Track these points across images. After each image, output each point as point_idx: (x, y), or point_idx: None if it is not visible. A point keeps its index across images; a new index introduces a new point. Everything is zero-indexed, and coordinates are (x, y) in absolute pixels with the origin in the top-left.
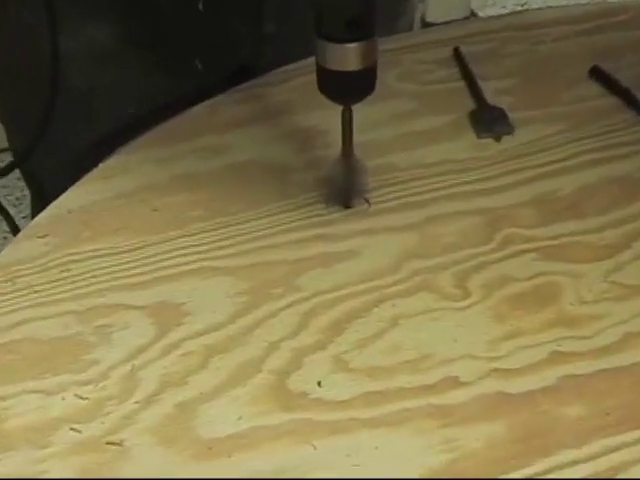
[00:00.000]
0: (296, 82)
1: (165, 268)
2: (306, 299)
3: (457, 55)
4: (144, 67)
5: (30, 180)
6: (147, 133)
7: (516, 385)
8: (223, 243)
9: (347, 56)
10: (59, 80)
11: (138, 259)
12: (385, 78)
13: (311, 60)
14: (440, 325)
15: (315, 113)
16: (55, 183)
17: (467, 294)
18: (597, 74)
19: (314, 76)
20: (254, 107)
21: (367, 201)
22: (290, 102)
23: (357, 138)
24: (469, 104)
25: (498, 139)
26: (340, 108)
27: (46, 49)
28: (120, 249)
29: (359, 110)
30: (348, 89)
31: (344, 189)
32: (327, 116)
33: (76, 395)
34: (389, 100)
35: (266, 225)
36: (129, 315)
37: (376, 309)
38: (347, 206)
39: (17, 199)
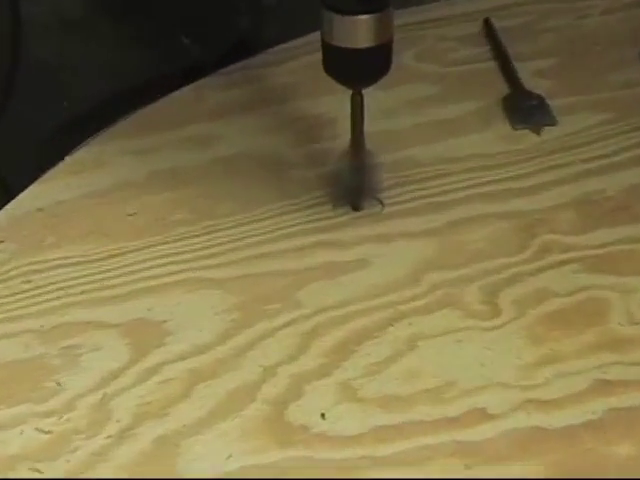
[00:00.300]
0: (298, 62)
1: (143, 280)
2: (308, 317)
3: (488, 30)
4: (121, 40)
5: None
6: (123, 121)
7: (554, 419)
8: (211, 251)
9: (357, 31)
10: (20, 50)
11: (112, 269)
12: (402, 57)
13: (316, 36)
14: (465, 348)
15: (321, 99)
16: (19, 177)
17: (497, 312)
18: None
19: (320, 55)
20: (248, 91)
21: (380, 202)
22: (291, 85)
23: (369, 128)
24: (502, 89)
25: (536, 130)
26: (349, 92)
27: (5, 15)
28: (91, 257)
29: (372, 95)
30: (358, 70)
31: (353, 188)
32: (335, 102)
33: (37, 429)
34: (407, 83)
35: (261, 230)
36: (100, 335)
37: (390, 328)
38: (357, 208)
39: None
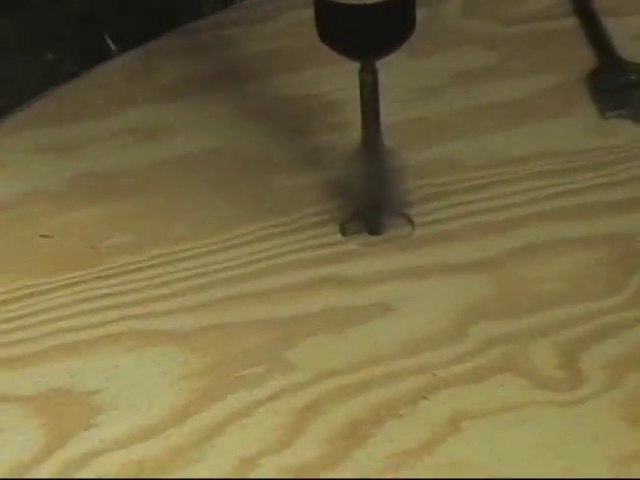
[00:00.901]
0: (287, 18)
1: (63, 333)
2: (304, 386)
3: None
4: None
5: None
6: (32, 104)
7: None
8: (163, 291)
9: None
10: None
11: (17, 317)
12: (443, 13)
13: None
14: (533, 431)
15: (320, 72)
16: None
17: (579, 380)
18: None
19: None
20: (217, 60)
21: (409, 221)
22: (278, 53)
23: (392, 115)
24: (587, 59)
25: (636, 119)
26: (357, 67)
27: None
28: None
29: (394, 69)
30: (366, 36)
31: (369, 201)
32: (342, 77)
33: None
34: (449, 50)
35: (236, 261)
36: (4, 411)
37: (423, 403)
38: (374, 230)
39: None
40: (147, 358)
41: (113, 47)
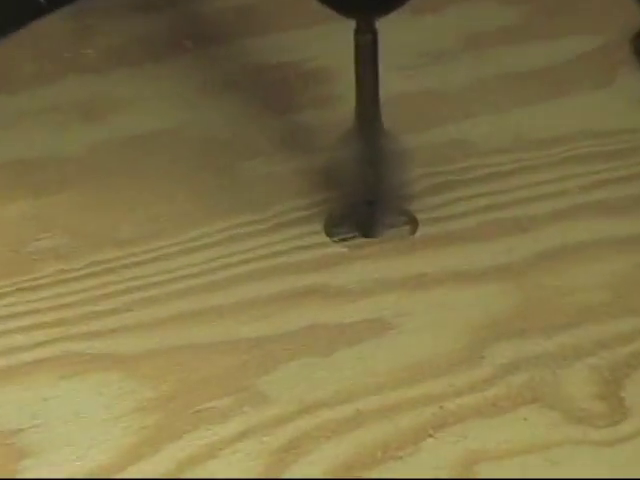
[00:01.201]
0: None
1: None
2: (281, 421)
3: None
4: None
5: None
6: None
7: None
8: (103, 306)
9: None
10: None
11: None
12: None
13: None
14: (564, 475)
15: (299, 33)
16: None
17: (622, 413)
18: None
19: None
20: (169, 21)
21: (411, 218)
22: (246, 11)
23: (388, 88)
24: (632, 18)
25: None
26: (349, 26)
27: None
28: None
29: (392, 29)
30: None
31: (362, 193)
32: (325, 40)
33: None
34: (460, 6)
35: (197, 268)
36: None
37: (429, 441)
38: (368, 230)
39: None
40: (86, 388)
41: (42, 0)
